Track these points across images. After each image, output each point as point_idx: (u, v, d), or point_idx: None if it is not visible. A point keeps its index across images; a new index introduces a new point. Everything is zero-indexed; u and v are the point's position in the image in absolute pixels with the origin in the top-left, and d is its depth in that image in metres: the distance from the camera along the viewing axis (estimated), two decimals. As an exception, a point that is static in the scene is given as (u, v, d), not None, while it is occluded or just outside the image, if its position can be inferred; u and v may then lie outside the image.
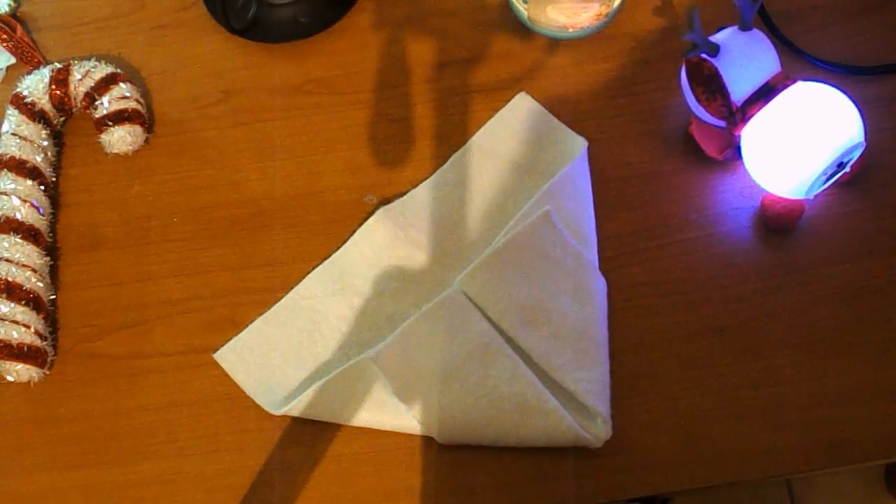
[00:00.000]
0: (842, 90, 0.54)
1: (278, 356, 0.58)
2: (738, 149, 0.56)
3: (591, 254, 0.58)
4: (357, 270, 0.59)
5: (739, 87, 0.54)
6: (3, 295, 0.57)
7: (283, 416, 0.56)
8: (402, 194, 0.61)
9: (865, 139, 0.53)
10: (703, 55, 0.53)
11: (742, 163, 0.56)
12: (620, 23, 0.65)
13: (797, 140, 0.52)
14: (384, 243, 0.59)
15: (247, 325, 0.59)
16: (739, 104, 0.54)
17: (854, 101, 0.54)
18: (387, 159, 0.63)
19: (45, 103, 0.63)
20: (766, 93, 0.54)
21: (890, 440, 0.53)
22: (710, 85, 0.54)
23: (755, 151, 0.55)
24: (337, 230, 0.61)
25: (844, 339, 0.55)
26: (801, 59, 0.62)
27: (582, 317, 0.56)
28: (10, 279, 0.57)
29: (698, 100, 0.56)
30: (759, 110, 0.54)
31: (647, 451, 0.54)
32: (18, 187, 0.60)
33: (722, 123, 0.56)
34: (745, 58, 0.53)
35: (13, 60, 0.68)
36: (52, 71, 0.64)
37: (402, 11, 0.67)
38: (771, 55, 0.54)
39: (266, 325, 0.59)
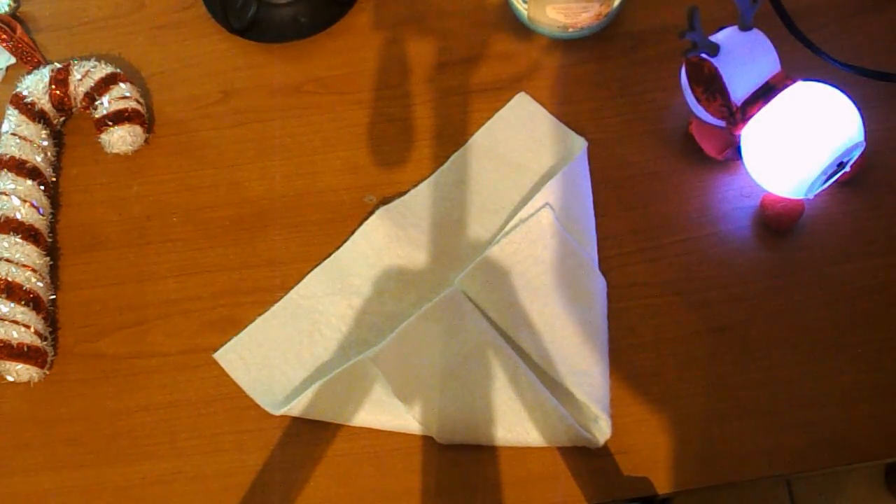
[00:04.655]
0: (842, 90, 0.54)
1: (278, 356, 0.58)
2: (738, 149, 0.56)
3: (591, 253, 0.58)
4: (357, 270, 0.59)
5: (739, 86, 0.54)
6: (3, 295, 0.57)
7: (283, 416, 0.56)
8: (402, 194, 0.61)
9: (865, 139, 0.53)
10: (703, 55, 0.53)
11: (742, 163, 0.56)
12: (620, 23, 0.65)
13: (797, 140, 0.52)
14: (384, 243, 0.59)
15: (247, 325, 0.59)
16: (739, 104, 0.54)
17: (854, 101, 0.54)
18: (387, 159, 0.63)
19: (44, 103, 0.63)
20: (765, 92, 0.54)
21: (890, 440, 0.53)
22: (710, 85, 0.54)
23: (755, 151, 0.55)
24: (337, 230, 0.61)
25: (844, 339, 0.55)
26: (816, 58, 0.60)
27: (582, 317, 0.56)
28: (10, 279, 0.57)
29: (698, 100, 0.56)
30: (758, 110, 0.54)
31: (647, 451, 0.54)
32: (18, 187, 0.60)
33: (722, 123, 0.56)
34: (745, 57, 0.53)
35: (13, 60, 0.68)
36: (52, 71, 0.64)
37: (402, 11, 0.67)
38: (771, 55, 0.54)
39: (266, 325, 0.59)
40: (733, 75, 0.53)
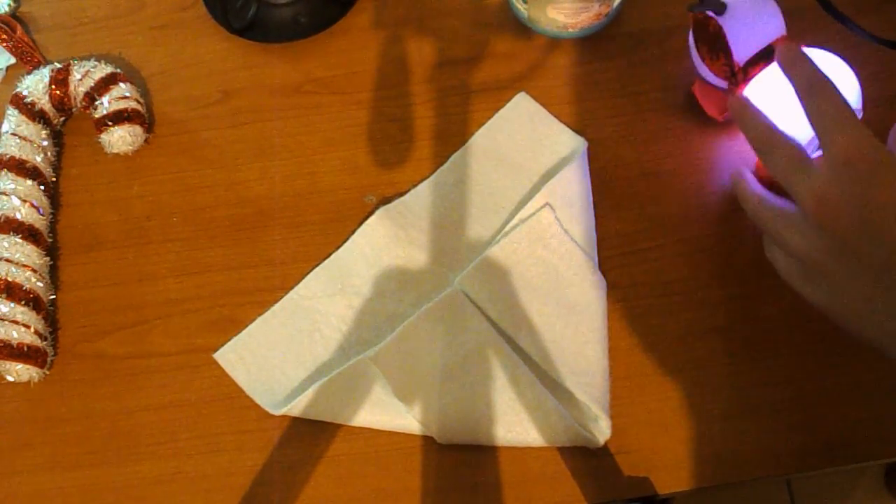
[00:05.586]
0: (843, 59, 0.54)
1: (278, 356, 0.58)
2: None
3: (591, 254, 0.58)
4: (357, 270, 0.59)
5: (743, 46, 0.54)
6: (3, 295, 0.57)
7: (283, 416, 0.56)
8: (402, 194, 0.61)
9: (864, 110, 0.53)
10: (710, 13, 0.53)
11: (741, 138, 0.56)
12: (620, 23, 0.65)
13: (795, 103, 0.52)
14: (384, 243, 0.59)
15: (247, 325, 0.59)
16: (742, 64, 0.54)
17: (855, 71, 0.53)
18: (387, 159, 0.63)
19: (44, 103, 0.63)
20: (767, 54, 0.54)
21: (890, 440, 0.53)
22: (714, 43, 0.54)
23: None
24: (337, 230, 0.61)
25: (844, 339, 0.55)
26: (821, 26, 0.58)
27: (582, 317, 0.56)
28: (10, 279, 0.57)
29: (702, 58, 0.56)
30: (760, 71, 0.54)
31: (647, 451, 0.54)
32: (18, 187, 0.60)
33: (724, 84, 0.57)
34: (750, 18, 0.54)
35: (13, 60, 0.68)
36: (52, 71, 0.64)
37: (402, 11, 0.67)
38: (777, 18, 0.54)
39: (266, 325, 0.59)
40: (738, 35, 0.53)
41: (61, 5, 0.70)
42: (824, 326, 0.55)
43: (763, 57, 0.54)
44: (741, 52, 0.54)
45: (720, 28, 0.53)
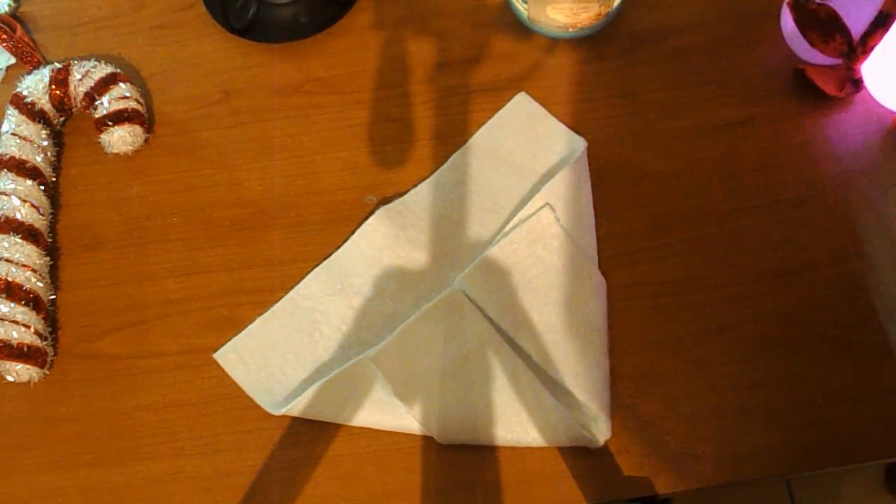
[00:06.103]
0: None
1: (278, 356, 0.58)
2: (855, 82, 0.58)
3: (591, 254, 0.58)
4: (357, 270, 0.59)
5: (856, 21, 0.55)
6: (3, 295, 0.57)
7: (283, 416, 0.56)
8: (402, 194, 0.61)
9: None
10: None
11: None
12: (620, 23, 0.65)
13: None
14: (384, 243, 0.59)
15: (247, 325, 0.59)
16: (859, 38, 0.55)
17: None
18: (387, 159, 0.63)
19: (44, 103, 0.63)
20: (883, 21, 0.54)
21: (890, 440, 0.53)
22: (828, 26, 0.55)
23: (883, 78, 0.56)
24: (337, 230, 0.61)
25: (844, 339, 0.55)
26: None
27: (581, 317, 0.56)
28: (10, 279, 0.57)
29: (813, 44, 0.57)
30: (879, 41, 0.55)
31: (647, 451, 0.54)
32: (18, 187, 0.60)
33: (836, 61, 0.58)
34: None
35: (13, 60, 0.68)
36: (52, 71, 0.64)
37: (402, 11, 0.67)
38: None
39: (266, 325, 0.59)
40: (850, 12, 0.54)
41: (61, 5, 0.70)
42: (824, 327, 0.56)
43: (878, 25, 0.55)
44: (856, 26, 0.55)
45: (833, 11, 0.54)
